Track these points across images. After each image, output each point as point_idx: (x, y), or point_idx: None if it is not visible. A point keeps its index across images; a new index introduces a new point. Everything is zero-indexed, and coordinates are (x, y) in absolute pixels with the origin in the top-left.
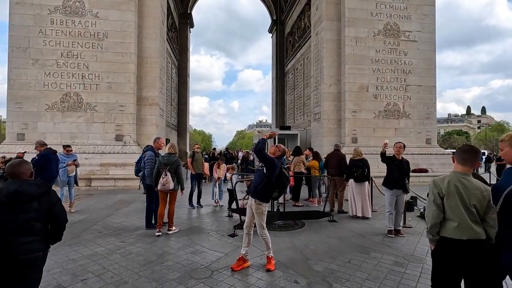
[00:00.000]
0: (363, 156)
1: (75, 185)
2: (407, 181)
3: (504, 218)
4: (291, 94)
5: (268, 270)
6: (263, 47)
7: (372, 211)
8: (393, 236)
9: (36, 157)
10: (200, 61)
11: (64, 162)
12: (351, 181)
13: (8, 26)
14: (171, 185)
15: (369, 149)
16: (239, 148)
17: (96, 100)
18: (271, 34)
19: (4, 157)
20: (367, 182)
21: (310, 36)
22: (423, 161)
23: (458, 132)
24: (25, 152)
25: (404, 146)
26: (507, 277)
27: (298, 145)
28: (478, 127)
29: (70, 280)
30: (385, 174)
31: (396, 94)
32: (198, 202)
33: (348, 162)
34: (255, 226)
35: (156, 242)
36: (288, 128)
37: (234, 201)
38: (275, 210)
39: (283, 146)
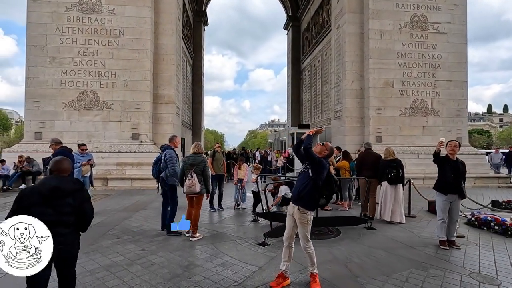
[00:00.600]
0: (396, 156)
1: (90, 186)
2: (463, 185)
3: None
4: (307, 92)
5: None
6: (274, 46)
7: (410, 216)
8: (447, 248)
9: (51, 156)
10: (212, 61)
11: (79, 162)
12: (384, 183)
13: (25, 25)
14: (198, 188)
15: (395, 149)
16: (257, 147)
17: (113, 98)
18: (286, 31)
19: (21, 156)
20: (401, 184)
21: (329, 31)
22: None
23: (478, 131)
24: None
25: (460, 145)
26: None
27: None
28: (500, 126)
29: None
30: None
31: (424, 90)
32: (219, 204)
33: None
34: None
35: (179, 251)
36: (307, 126)
37: (259, 204)
38: None
39: (330, 144)
